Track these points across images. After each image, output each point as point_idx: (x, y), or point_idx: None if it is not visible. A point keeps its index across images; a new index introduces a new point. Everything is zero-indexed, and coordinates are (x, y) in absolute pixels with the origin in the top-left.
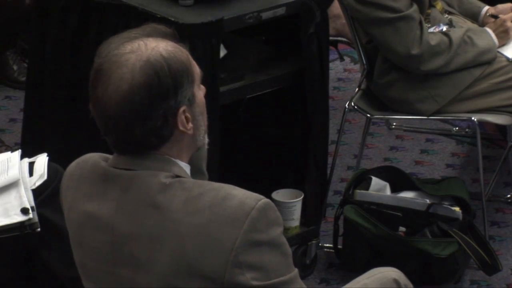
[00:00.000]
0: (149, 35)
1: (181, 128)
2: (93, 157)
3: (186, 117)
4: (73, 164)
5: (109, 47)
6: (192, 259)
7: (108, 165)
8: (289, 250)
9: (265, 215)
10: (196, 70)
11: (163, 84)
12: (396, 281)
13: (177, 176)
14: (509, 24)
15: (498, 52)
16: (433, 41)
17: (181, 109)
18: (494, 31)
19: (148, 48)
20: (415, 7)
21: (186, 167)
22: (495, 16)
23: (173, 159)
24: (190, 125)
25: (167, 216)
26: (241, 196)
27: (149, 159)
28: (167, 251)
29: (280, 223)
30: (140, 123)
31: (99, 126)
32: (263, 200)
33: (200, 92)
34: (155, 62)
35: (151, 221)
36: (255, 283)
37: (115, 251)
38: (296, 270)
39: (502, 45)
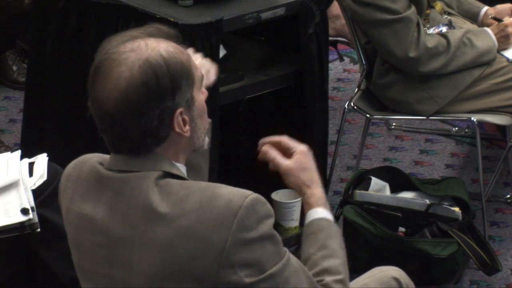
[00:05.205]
0: (151, 35)
1: (177, 130)
2: (90, 159)
3: (183, 119)
4: (71, 165)
5: (110, 44)
6: (184, 262)
7: (103, 167)
8: (278, 237)
9: (253, 211)
10: (198, 73)
11: (161, 84)
12: (397, 280)
13: (167, 176)
14: (510, 30)
15: (498, 53)
16: (431, 43)
17: (178, 111)
18: (495, 34)
19: (148, 47)
20: (413, 8)
21: (182, 168)
22: (498, 19)
23: (169, 159)
24: (187, 127)
25: (157, 220)
26: (227, 194)
27: (144, 158)
28: (158, 254)
29: (270, 215)
30: (136, 122)
31: (96, 124)
32: (250, 196)
33: (200, 95)
34: (154, 62)
35: (142, 225)
36: (248, 280)
37: (110, 254)
38: (287, 253)
39: (503, 49)
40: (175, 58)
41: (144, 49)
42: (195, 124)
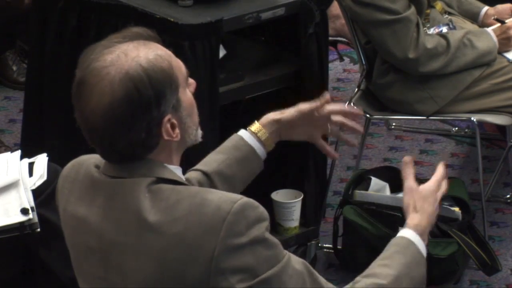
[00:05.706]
0: (130, 39)
1: (166, 137)
2: (88, 161)
3: (172, 124)
4: (69, 165)
5: (90, 58)
6: (175, 270)
7: (98, 171)
8: (274, 240)
9: (242, 217)
10: (181, 71)
11: (143, 97)
12: None
13: (160, 181)
14: None
15: (499, 54)
16: (430, 44)
17: (166, 118)
18: (497, 36)
19: (128, 59)
20: (412, 9)
21: (176, 169)
22: (501, 21)
23: (161, 162)
24: (177, 131)
25: (148, 227)
26: (216, 200)
27: (136, 165)
28: (150, 262)
29: (262, 219)
30: (124, 136)
31: (85, 137)
32: (240, 201)
33: (187, 92)
34: (134, 74)
35: (134, 231)
36: (240, 286)
37: (104, 258)
38: (286, 256)
39: (504, 51)
40: (156, 66)
41: (123, 61)
42: (184, 124)
